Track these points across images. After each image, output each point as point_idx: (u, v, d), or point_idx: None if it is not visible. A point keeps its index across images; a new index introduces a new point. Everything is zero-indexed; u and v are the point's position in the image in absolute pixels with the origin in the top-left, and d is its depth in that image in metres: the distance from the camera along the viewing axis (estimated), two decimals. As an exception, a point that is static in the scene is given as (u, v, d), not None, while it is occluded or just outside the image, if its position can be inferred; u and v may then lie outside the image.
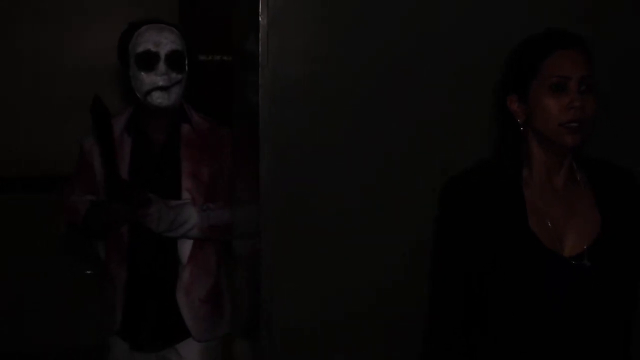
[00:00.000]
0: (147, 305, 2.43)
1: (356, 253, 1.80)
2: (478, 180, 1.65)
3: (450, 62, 1.81)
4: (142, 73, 2.36)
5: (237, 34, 2.09)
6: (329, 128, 1.77)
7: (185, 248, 2.41)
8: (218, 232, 2.39)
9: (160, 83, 2.34)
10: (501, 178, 1.64)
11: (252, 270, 1.83)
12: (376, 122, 1.79)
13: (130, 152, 2.42)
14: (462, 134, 1.83)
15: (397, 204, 1.81)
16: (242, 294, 2.14)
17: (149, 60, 2.35)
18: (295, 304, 1.78)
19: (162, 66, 2.35)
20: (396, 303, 1.84)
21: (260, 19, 1.70)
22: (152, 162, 2.42)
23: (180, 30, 2.46)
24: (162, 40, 2.36)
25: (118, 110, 2.55)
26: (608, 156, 1.70)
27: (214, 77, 2.92)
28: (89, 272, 3.58)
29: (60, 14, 3.75)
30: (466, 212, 1.62)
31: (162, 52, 2.36)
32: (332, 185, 1.78)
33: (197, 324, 2.42)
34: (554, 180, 1.63)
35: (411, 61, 1.79)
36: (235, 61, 2.18)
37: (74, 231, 2.48)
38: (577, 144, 1.56)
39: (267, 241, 1.73)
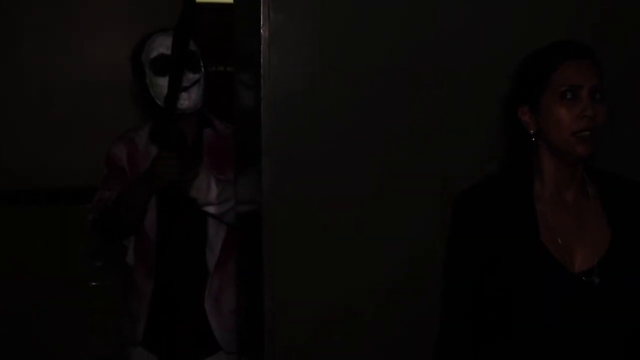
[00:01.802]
0: (174, 316, 2.38)
1: (360, 264, 1.80)
2: (490, 194, 1.65)
3: (449, 71, 1.82)
4: (159, 78, 2.32)
5: (238, 43, 2.09)
6: (330, 138, 1.77)
7: (213, 255, 2.37)
8: None
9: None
10: (513, 191, 1.64)
11: (254, 283, 1.83)
12: (376, 130, 1.79)
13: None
14: (461, 139, 1.83)
15: (398, 210, 1.81)
16: (243, 308, 2.14)
17: (164, 64, 2.32)
18: (298, 318, 1.78)
19: None
20: (400, 314, 1.83)
21: (261, 31, 1.71)
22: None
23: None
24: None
25: (127, 122, 2.54)
26: (614, 165, 1.71)
27: (217, 88, 2.93)
28: (94, 283, 3.60)
29: (62, 29, 3.76)
30: (478, 225, 1.62)
31: None
32: (334, 194, 1.78)
33: (226, 334, 2.37)
34: (564, 194, 1.63)
35: (410, 71, 1.79)
36: (236, 71, 2.19)
37: (104, 222, 2.38)
38: (589, 154, 1.56)
39: (269, 253, 1.73)
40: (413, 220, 1.82)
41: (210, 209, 2.29)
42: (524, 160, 1.66)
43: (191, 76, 2.34)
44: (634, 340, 1.61)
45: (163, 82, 2.32)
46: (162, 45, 2.34)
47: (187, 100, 2.33)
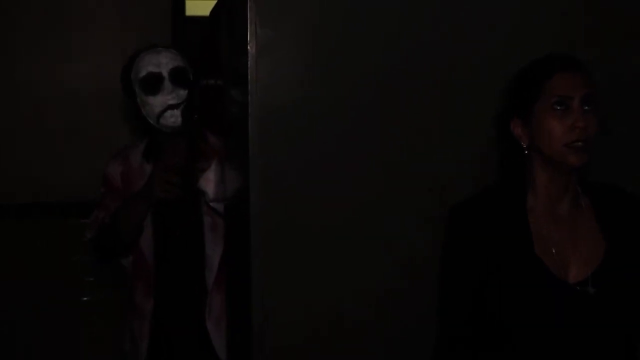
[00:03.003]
0: (175, 335, 2.38)
1: (347, 273, 1.80)
2: (483, 207, 1.66)
3: (438, 82, 1.82)
4: (150, 97, 2.32)
5: (227, 58, 2.10)
6: (319, 152, 1.77)
7: (212, 274, 2.35)
8: None
9: (170, 102, 2.30)
10: (506, 204, 1.65)
11: (243, 293, 1.84)
12: (365, 144, 1.80)
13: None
14: (454, 145, 1.84)
15: (388, 219, 1.81)
16: (233, 317, 2.14)
17: (153, 82, 2.32)
18: (287, 325, 1.78)
19: (167, 85, 2.31)
20: (392, 321, 1.83)
21: (249, 47, 1.72)
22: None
23: (178, 50, 2.43)
24: (162, 60, 2.34)
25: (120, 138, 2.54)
26: (606, 174, 1.72)
27: (208, 100, 2.94)
28: (85, 298, 3.59)
29: (53, 41, 3.76)
30: (472, 238, 1.63)
31: (165, 71, 2.33)
32: (323, 209, 1.78)
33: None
34: (558, 206, 1.64)
35: (398, 84, 1.80)
36: (224, 86, 2.20)
37: (101, 240, 2.39)
38: (582, 163, 1.57)
39: (257, 265, 1.74)
40: (405, 228, 1.82)
41: (217, 205, 2.28)
42: (518, 172, 1.67)
43: (181, 92, 2.34)
44: (628, 348, 1.62)
45: (153, 100, 2.32)
46: (150, 64, 2.34)
47: (180, 118, 2.33)
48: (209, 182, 2.23)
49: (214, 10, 2.41)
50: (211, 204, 2.28)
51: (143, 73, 2.34)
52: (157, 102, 2.31)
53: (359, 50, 1.78)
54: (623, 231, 1.64)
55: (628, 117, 1.92)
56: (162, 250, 2.36)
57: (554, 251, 1.60)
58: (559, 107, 1.57)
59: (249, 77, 1.72)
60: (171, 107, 2.31)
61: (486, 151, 1.81)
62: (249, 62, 1.72)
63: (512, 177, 1.68)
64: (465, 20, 1.82)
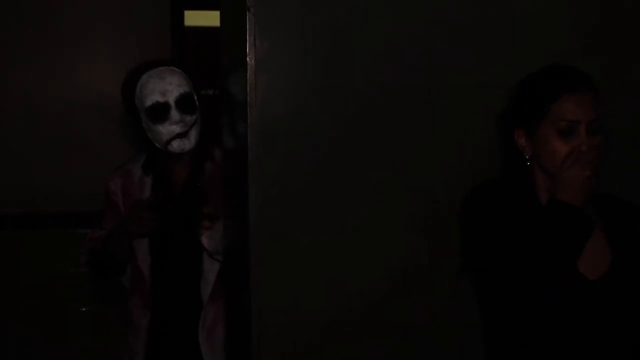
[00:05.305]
0: (170, 348, 2.37)
1: (344, 281, 1.80)
2: (501, 192, 1.66)
3: (435, 93, 1.83)
4: (157, 125, 2.30)
5: (225, 72, 2.10)
6: (318, 163, 1.78)
7: (207, 286, 2.35)
8: None
9: (178, 131, 2.28)
10: (520, 195, 1.65)
11: (242, 303, 1.84)
12: (364, 154, 1.80)
13: (151, 193, 2.38)
14: (446, 160, 1.84)
15: (387, 233, 1.82)
16: (232, 329, 2.14)
17: (160, 112, 2.29)
18: (286, 335, 1.78)
19: (174, 114, 2.29)
20: (388, 327, 1.83)
21: (247, 59, 1.72)
22: (173, 202, 2.35)
23: (181, 68, 2.40)
24: (167, 87, 2.30)
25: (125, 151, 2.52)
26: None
27: (208, 112, 2.95)
28: (84, 309, 3.58)
29: (52, 51, 3.76)
30: (490, 217, 1.62)
31: (171, 99, 2.30)
32: (321, 222, 1.79)
33: None
34: None
35: (397, 95, 1.81)
36: (223, 97, 2.20)
37: (96, 263, 2.43)
38: None
39: (256, 280, 1.74)
40: (399, 237, 1.82)
41: (216, 257, 2.29)
42: (520, 179, 1.68)
43: (188, 119, 2.32)
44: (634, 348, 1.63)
45: (161, 129, 2.31)
46: (156, 92, 2.31)
47: (188, 144, 2.32)
48: (210, 239, 2.23)
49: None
50: (214, 257, 2.29)
51: (149, 103, 2.31)
52: (165, 130, 2.30)
53: (358, 59, 1.78)
54: (627, 240, 1.65)
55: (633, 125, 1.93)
56: (158, 264, 2.35)
57: None
58: (565, 131, 1.57)
59: (247, 88, 1.72)
60: (179, 135, 2.30)
61: (480, 159, 1.82)
62: (247, 74, 1.72)
63: (516, 182, 1.68)
64: (460, 30, 1.83)
